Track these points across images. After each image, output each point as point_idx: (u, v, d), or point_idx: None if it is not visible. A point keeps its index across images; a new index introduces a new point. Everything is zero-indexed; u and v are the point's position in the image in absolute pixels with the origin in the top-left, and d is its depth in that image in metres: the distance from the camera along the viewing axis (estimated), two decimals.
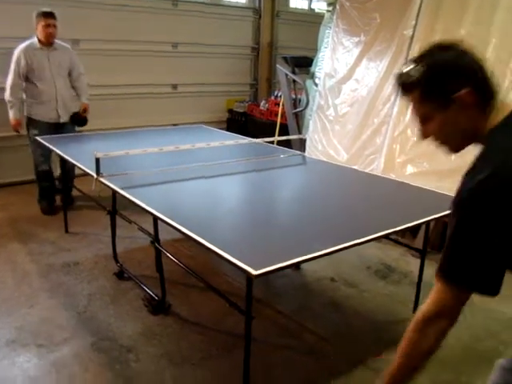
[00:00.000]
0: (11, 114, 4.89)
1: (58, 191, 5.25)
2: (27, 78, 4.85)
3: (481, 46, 4.24)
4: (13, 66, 4.79)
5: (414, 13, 4.73)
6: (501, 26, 4.19)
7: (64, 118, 5.08)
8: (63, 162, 4.68)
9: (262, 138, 4.23)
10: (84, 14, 6.01)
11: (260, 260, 2.08)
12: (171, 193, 3.12)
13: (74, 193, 5.18)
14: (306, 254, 2.13)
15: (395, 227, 2.57)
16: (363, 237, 2.39)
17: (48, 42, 4.84)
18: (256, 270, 1.95)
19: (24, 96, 4.94)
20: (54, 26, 4.79)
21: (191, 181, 3.30)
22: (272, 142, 4.56)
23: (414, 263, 4.35)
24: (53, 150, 4.11)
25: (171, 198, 3.04)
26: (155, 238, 3.20)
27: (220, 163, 3.74)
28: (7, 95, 4.86)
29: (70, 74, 5.10)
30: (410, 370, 1.48)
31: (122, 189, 3.00)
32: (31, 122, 5.00)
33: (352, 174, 3.86)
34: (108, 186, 3.14)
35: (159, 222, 2.81)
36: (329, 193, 3.25)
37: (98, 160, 3.20)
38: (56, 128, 5.01)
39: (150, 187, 3.13)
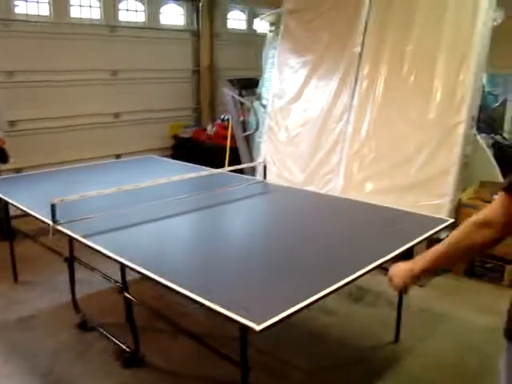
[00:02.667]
0: None
1: None
2: None
3: (429, 60, 4.32)
4: None
5: (361, 29, 4.73)
6: (449, 39, 4.24)
7: None
8: None
9: (212, 162, 4.05)
10: (17, 45, 5.68)
11: (257, 310, 1.92)
12: (136, 235, 2.88)
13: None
14: (308, 295, 1.98)
15: (386, 255, 2.47)
16: (360, 269, 2.29)
17: None
18: (259, 324, 1.78)
19: None
20: None
21: (154, 222, 3.07)
22: (241, 171, 4.41)
23: (383, 281, 4.19)
24: None
25: (137, 241, 2.81)
26: (124, 287, 2.96)
27: (181, 198, 3.53)
28: None
29: None
30: (453, 256, 1.66)
31: (84, 237, 2.75)
32: None
33: (322, 199, 3.80)
34: (67, 235, 2.88)
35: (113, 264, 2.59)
36: (304, 223, 3.11)
37: (53, 206, 2.93)
38: None
39: (112, 232, 2.88)
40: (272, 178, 5.11)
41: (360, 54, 4.72)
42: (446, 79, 4.25)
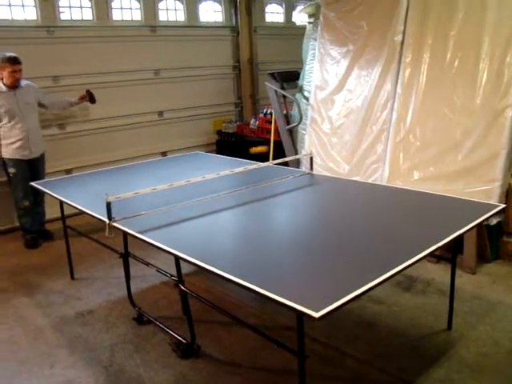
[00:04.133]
0: None
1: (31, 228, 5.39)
2: None
3: (474, 44, 4.24)
4: None
5: (402, 18, 4.69)
6: (493, 23, 4.16)
7: (36, 154, 5.23)
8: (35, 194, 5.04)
9: (256, 157, 4.09)
10: (62, 50, 5.87)
11: (313, 298, 1.96)
12: (189, 230, 2.96)
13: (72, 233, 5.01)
14: (363, 283, 2.02)
15: (437, 242, 2.47)
16: (411, 257, 2.29)
17: (14, 86, 5.00)
18: (317, 311, 1.82)
19: None
20: (20, 70, 4.94)
21: (205, 216, 3.15)
22: (286, 163, 4.46)
23: (432, 269, 4.28)
24: (51, 196, 3.93)
25: (190, 236, 2.88)
26: (180, 280, 3.05)
27: (230, 192, 3.61)
28: None
29: (41, 105, 5.37)
30: None
31: (140, 233, 2.84)
32: (7, 162, 5.12)
33: (370, 189, 3.81)
34: (123, 231, 2.99)
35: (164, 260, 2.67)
36: (354, 213, 3.15)
37: (109, 204, 3.04)
38: (30, 163, 5.19)
39: (166, 228, 2.96)
40: (317, 169, 5.14)
41: (402, 43, 4.69)
42: (491, 63, 4.17)
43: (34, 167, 5.20)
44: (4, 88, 4.93)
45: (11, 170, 5.10)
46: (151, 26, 6.70)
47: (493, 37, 4.17)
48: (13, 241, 5.45)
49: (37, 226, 5.41)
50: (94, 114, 6.24)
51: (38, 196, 5.32)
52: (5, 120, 4.99)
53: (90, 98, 5.75)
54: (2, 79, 4.93)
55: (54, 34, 5.82)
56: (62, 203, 3.99)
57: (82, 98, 5.70)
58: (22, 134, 5.05)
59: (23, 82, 5.08)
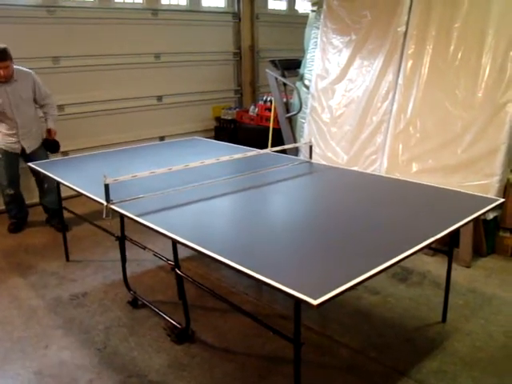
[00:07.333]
0: None
1: (49, 220, 5.33)
2: None
3: (477, 38, 4.22)
4: None
5: (406, 8, 4.66)
6: (498, 15, 4.13)
7: (31, 148, 4.99)
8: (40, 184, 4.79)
9: (254, 144, 4.08)
10: (63, 31, 5.81)
11: (311, 285, 1.96)
12: (186, 214, 2.94)
13: (68, 215, 4.97)
14: (360, 273, 2.01)
15: (435, 235, 2.46)
16: (408, 249, 2.28)
17: (5, 81, 4.64)
18: (315, 298, 1.82)
19: None
20: (7, 67, 4.54)
21: (203, 201, 3.13)
22: (284, 151, 4.44)
23: (429, 262, 4.29)
24: (49, 177, 3.91)
25: (187, 220, 2.86)
26: (176, 264, 3.04)
27: (229, 178, 3.59)
28: None
29: (35, 99, 4.96)
30: None
31: (138, 216, 2.82)
32: None
33: (369, 179, 3.78)
34: (121, 214, 2.97)
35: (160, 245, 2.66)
36: (352, 202, 3.12)
37: (107, 186, 3.02)
38: (24, 158, 4.92)
39: (163, 211, 2.94)
40: (316, 158, 5.12)
41: (405, 33, 4.66)
42: (495, 56, 4.15)
43: (32, 160, 4.49)
44: None
45: None
46: (153, 9, 6.65)
47: (497, 30, 4.15)
48: (6, 222, 5.41)
49: (23, 214, 5.28)
50: (92, 97, 6.19)
51: (44, 184, 5.11)
52: None
53: (50, 145, 5.13)
54: None
55: (55, 13, 5.76)
56: (58, 184, 3.97)
57: (48, 135, 5.09)
58: (12, 129, 4.82)
59: (19, 73, 4.72)
